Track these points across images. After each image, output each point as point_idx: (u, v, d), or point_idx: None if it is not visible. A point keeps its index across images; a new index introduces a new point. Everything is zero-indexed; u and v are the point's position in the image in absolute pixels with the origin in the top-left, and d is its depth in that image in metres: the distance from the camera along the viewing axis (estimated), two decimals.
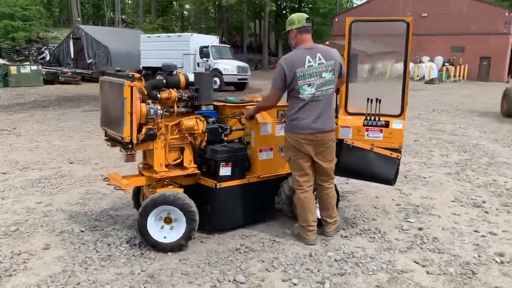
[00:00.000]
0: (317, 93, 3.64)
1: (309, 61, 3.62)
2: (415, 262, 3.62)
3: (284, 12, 47.02)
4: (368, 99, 4.31)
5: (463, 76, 33.90)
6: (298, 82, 3.61)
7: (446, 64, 34.66)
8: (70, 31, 32.17)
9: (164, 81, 3.92)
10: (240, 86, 23.27)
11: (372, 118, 4.27)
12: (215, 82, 22.70)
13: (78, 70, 27.03)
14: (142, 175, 4.03)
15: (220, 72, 22.65)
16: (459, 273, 3.42)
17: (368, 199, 5.24)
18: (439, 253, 3.79)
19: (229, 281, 3.26)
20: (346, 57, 4.41)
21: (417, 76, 32.74)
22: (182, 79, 4.00)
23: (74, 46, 30.12)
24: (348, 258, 3.65)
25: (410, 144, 8.69)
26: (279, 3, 42.70)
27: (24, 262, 3.55)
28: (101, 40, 28.39)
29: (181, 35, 25.78)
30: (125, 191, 3.84)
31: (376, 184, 5.35)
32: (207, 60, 23.18)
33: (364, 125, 4.26)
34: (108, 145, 4.09)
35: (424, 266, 3.54)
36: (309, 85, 3.62)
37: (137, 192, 4.42)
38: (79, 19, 43.63)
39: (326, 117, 3.72)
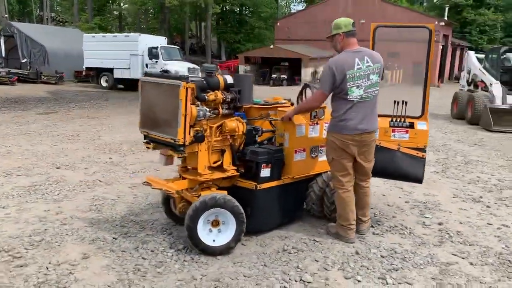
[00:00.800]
0: (365, 94, 3.78)
1: (358, 64, 3.75)
2: (453, 254, 3.85)
3: (227, 14, 47.06)
4: (394, 101, 4.52)
5: (399, 80, 35.86)
6: (348, 84, 3.72)
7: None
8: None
9: (205, 82, 3.86)
10: None
11: (398, 119, 4.49)
12: None
13: (13, 70, 25.28)
14: (183, 178, 3.94)
15: None
16: (499, 263, 3.69)
17: (377, 197, 5.45)
18: (470, 245, 4.06)
19: (296, 281, 3.30)
20: None
21: None
22: (221, 80, 3.96)
23: (5, 44, 28.14)
24: (393, 254, 3.81)
25: None
26: (221, 6, 42.66)
27: (71, 273, 3.35)
28: (37, 39, 26.76)
29: (129, 35, 24.95)
30: (174, 195, 3.74)
31: (378, 183, 5.62)
32: (156, 62, 22.65)
33: (390, 126, 4.45)
34: (148, 148, 3.96)
35: (464, 258, 3.78)
36: (357, 86, 3.74)
37: (168, 198, 4.29)
38: (6, 15, 40.84)
39: (371, 118, 3.87)
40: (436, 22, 35.44)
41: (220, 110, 3.88)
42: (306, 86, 4.68)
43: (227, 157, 4.00)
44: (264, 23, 46.36)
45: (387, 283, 3.30)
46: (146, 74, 3.91)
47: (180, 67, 22.60)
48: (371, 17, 36.59)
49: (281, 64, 32.37)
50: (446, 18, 38.23)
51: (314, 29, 37.74)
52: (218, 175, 3.93)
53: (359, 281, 3.33)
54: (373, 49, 4.63)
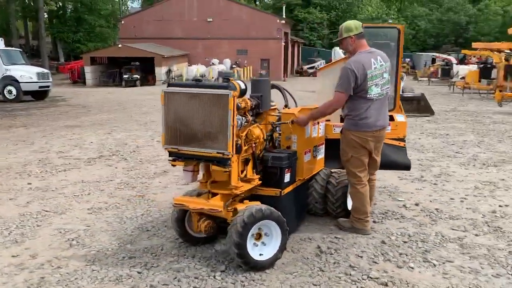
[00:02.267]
0: (381, 92, 3.99)
1: (374, 63, 3.93)
2: (453, 229, 4.36)
3: (62, 12, 43.06)
4: None
5: (249, 76, 37.61)
6: (368, 83, 3.89)
7: (234, 66, 37.78)
8: None
9: None
10: (41, 95, 20.58)
11: None
12: (10, 91, 19.65)
13: None
14: (213, 194, 3.65)
15: (16, 80, 19.63)
16: (493, 230, 4.31)
17: None
18: (457, 219, 4.62)
19: (364, 279, 3.36)
20: None
21: (212, 77, 34.74)
22: (238, 86, 3.76)
23: None
24: (409, 238, 4.13)
25: None
26: (57, 3, 38.88)
27: None
28: None
29: None
30: (221, 213, 3.45)
31: None
32: None
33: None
34: (173, 165, 3.55)
35: (465, 231, 4.30)
36: (375, 85, 3.93)
37: (182, 218, 3.90)
38: None
39: (386, 114, 4.11)
40: (278, 21, 38.11)
41: (249, 117, 3.69)
42: (273, 86, 4.72)
43: (250, 166, 3.83)
44: (105, 21, 43.75)
45: (434, 265, 3.59)
46: (170, 84, 3.49)
47: (26, 71, 20.11)
48: (218, 15, 37.60)
49: (131, 63, 31.02)
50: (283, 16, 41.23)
51: (162, 27, 37.13)
52: (248, 186, 3.73)
53: (413, 268, 3.54)
54: None
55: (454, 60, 34.15)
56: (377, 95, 3.97)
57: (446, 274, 3.44)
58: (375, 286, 3.27)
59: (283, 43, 38.55)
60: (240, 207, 3.59)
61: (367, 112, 3.96)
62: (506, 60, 19.26)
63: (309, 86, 27.19)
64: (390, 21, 48.92)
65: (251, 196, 3.94)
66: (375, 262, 3.64)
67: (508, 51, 21.10)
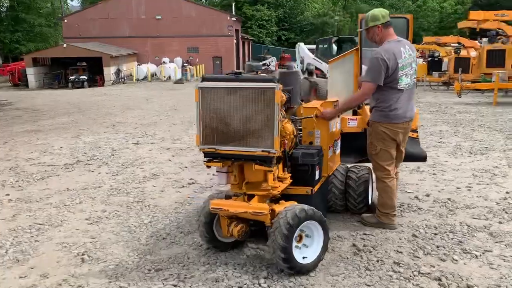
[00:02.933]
0: (410, 82, 3.89)
1: (404, 53, 3.82)
2: (475, 218, 4.36)
3: None
4: None
5: (201, 74, 37.07)
6: (399, 73, 3.77)
7: (185, 64, 37.07)
8: None
9: None
10: None
11: None
12: None
13: None
14: (248, 196, 3.40)
15: None
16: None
17: None
18: (473, 208, 4.64)
19: (415, 275, 3.25)
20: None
21: (164, 76, 33.91)
22: None
23: None
24: (438, 230, 4.08)
25: None
26: None
27: None
28: None
29: None
30: (267, 216, 3.20)
31: None
32: None
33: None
34: (208, 167, 3.27)
35: (487, 219, 4.31)
36: (405, 75, 3.83)
37: (211, 223, 3.62)
38: None
39: (413, 105, 4.02)
40: (229, 18, 37.81)
41: (284, 112, 3.46)
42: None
43: (281, 164, 3.61)
44: (45, 20, 41.47)
45: (476, 256, 3.54)
46: (205, 78, 3.19)
47: None
48: (167, 12, 36.73)
49: (78, 64, 29.60)
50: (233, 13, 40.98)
51: (108, 25, 35.74)
52: (283, 185, 3.52)
53: (456, 260, 3.48)
54: (360, 39, 4.76)
55: None
56: (407, 85, 3.87)
57: (491, 264, 3.40)
58: (429, 282, 3.16)
59: (235, 40, 38.34)
60: (277, 208, 3.36)
61: (397, 103, 3.85)
62: (456, 53, 20.13)
63: None
64: (336, 17, 50.00)
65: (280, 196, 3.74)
66: (417, 257, 3.55)
67: (456, 44, 22.06)
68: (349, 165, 4.61)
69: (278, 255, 3.19)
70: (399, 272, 3.30)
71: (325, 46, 14.27)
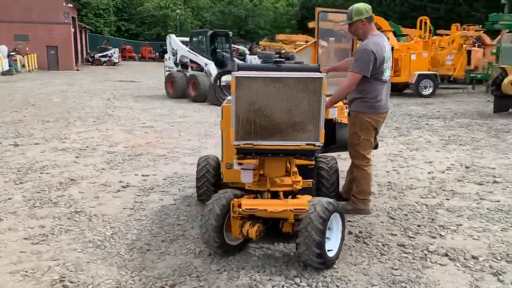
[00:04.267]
0: (389, 74, 4.10)
1: (386, 46, 4.01)
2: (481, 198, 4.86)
3: None
4: None
5: (34, 66, 33.02)
6: (384, 65, 3.94)
7: (12, 53, 32.56)
8: None
9: None
10: None
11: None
12: None
13: None
14: (273, 192, 3.20)
15: None
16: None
17: None
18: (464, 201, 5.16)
19: (427, 254, 3.46)
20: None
21: None
22: None
23: None
24: (404, 210, 4.44)
25: None
26: None
27: None
28: None
29: None
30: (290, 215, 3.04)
31: None
32: None
33: (344, 103, 4.90)
34: (240, 164, 2.94)
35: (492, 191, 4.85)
36: (388, 68, 4.02)
37: (222, 226, 3.28)
38: None
39: (389, 96, 4.24)
40: (64, 3, 34.42)
41: None
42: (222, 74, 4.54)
43: None
44: None
45: (455, 231, 3.93)
46: (241, 67, 2.84)
47: None
48: None
49: None
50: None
51: None
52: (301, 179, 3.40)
53: (444, 235, 3.82)
54: (318, 33, 4.85)
55: (246, 51, 36.97)
56: (388, 77, 4.09)
57: (471, 236, 3.82)
58: (441, 258, 3.41)
59: (73, 29, 35.14)
60: (302, 202, 3.24)
61: (381, 94, 4.04)
62: None
63: (130, 75, 25.67)
64: (178, 11, 49.65)
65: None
66: (412, 237, 3.79)
67: (304, 42, 24.02)
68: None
69: (313, 251, 3.08)
70: (411, 253, 3.49)
71: (199, 39, 14.08)
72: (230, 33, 14.75)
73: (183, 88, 13.87)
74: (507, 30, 14.74)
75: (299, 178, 3.28)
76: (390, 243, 3.68)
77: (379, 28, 15.93)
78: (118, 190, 5.12)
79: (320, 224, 3.07)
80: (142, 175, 5.73)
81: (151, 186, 5.27)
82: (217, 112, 11.21)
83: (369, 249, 3.56)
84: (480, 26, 19.88)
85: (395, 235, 3.85)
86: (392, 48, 14.47)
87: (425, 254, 3.47)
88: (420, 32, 16.95)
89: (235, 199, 3.26)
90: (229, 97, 4.47)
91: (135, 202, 4.74)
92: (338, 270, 3.22)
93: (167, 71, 14.96)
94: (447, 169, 5.92)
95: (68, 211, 4.43)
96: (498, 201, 4.65)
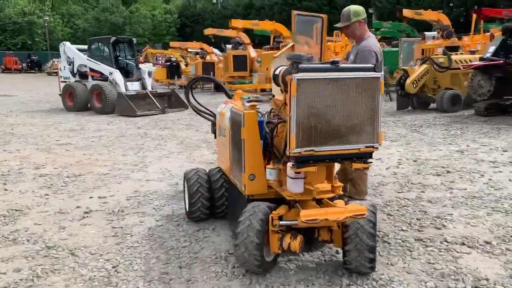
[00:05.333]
0: None
1: (380, 48, 4.07)
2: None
3: None
4: None
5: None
6: (381, 67, 4.00)
7: None
8: None
9: None
10: None
11: None
12: None
13: None
14: (317, 200, 3.04)
15: None
16: None
17: None
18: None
19: (447, 244, 3.60)
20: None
21: None
22: None
23: None
24: (393, 204, 4.59)
25: None
26: None
27: None
28: None
29: None
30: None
31: None
32: None
33: None
34: (297, 173, 2.71)
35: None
36: (382, 69, 4.08)
37: (262, 241, 3.02)
38: None
39: None
40: None
41: None
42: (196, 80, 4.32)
43: None
44: None
45: (451, 220, 4.13)
46: (300, 69, 2.60)
47: None
48: None
49: None
50: None
51: None
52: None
53: (446, 225, 4.01)
54: (294, 36, 4.76)
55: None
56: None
57: (468, 223, 4.06)
58: (461, 247, 3.56)
59: None
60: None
61: None
62: (202, 57, 21.74)
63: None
64: (46, 18, 45.67)
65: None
66: (420, 230, 3.92)
67: (199, 50, 23.75)
68: None
69: (366, 256, 3.00)
70: (433, 246, 3.59)
71: (99, 46, 13.06)
72: (134, 40, 13.97)
73: (84, 99, 12.75)
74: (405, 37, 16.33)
75: (339, 183, 3.17)
76: (408, 239, 3.75)
77: (279, 35, 16.59)
78: (83, 217, 4.46)
79: (370, 228, 3.00)
80: (99, 197, 5.08)
81: (118, 208, 4.69)
82: (136, 124, 10.61)
83: (395, 248, 3.58)
84: None
85: (406, 230, 3.94)
86: None
87: (447, 245, 3.60)
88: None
89: (273, 212, 3.05)
90: (224, 106, 4.18)
91: (113, 228, 4.17)
92: (383, 272, 3.19)
93: (62, 81, 13.58)
94: (399, 165, 6.28)
95: (38, 248, 3.73)
96: (465, 189, 5.06)
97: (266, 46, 16.60)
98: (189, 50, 26.10)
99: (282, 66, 3.32)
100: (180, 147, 7.92)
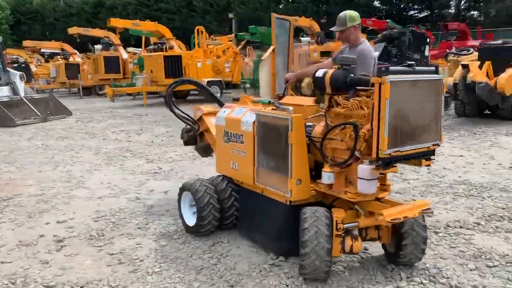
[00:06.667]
0: None
1: None
2: None
3: None
4: None
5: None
6: (375, 70, 4.19)
7: None
8: None
9: None
10: None
11: None
12: None
13: None
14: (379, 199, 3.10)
15: None
16: None
17: None
18: None
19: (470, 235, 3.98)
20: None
21: None
22: None
23: None
24: None
25: None
26: None
27: None
28: None
29: None
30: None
31: None
32: None
33: None
34: (382, 174, 2.73)
35: None
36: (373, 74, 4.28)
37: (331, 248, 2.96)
38: None
39: None
40: None
41: None
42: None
43: None
44: None
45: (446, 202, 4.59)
46: (389, 71, 2.60)
47: None
48: None
49: None
50: None
51: None
52: None
53: (463, 210, 4.43)
54: (274, 40, 4.71)
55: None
56: None
57: (457, 208, 4.50)
58: (462, 230, 3.95)
59: None
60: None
61: None
62: (65, 59, 19.78)
63: None
64: None
65: None
66: None
67: (60, 50, 21.52)
68: None
69: (421, 248, 3.17)
70: (441, 231, 3.92)
71: None
72: (0, 38, 12.03)
73: None
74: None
75: (388, 181, 3.27)
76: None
77: (163, 36, 16.01)
78: (61, 246, 3.78)
79: (423, 221, 3.18)
80: (58, 222, 4.35)
81: (96, 232, 4.07)
82: (21, 135, 9.15)
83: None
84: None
85: None
86: (180, 56, 14.81)
87: (453, 230, 3.96)
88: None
89: (337, 215, 3.02)
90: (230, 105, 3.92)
91: (110, 254, 3.62)
92: (424, 261, 3.37)
93: None
94: None
95: None
96: (418, 179, 5.61)
97: (150, 47, 15.85)
98: (42, 50, 23.51)
99: (321, 69, 3.29)
100: (101, 158, 7.15)
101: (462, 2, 29.04)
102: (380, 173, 2.92)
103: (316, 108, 3.73)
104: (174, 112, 4.55)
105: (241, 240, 3.79)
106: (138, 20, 16.36)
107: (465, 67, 8.92)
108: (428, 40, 11.45)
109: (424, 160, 2.97)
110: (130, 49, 23.17)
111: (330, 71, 3.15)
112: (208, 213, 3.76)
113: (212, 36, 22.07)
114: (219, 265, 3.39)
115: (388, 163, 2.78)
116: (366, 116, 2.87)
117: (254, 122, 3.50)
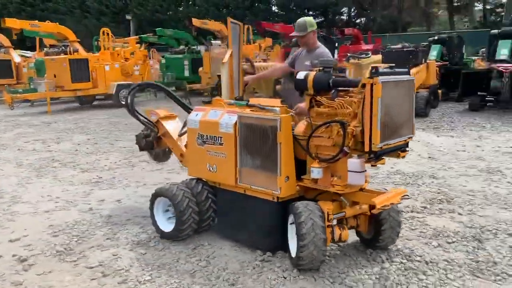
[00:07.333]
0: None
1: None
2: None
3: None
4: None
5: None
6: None
7: None
8: None
9: None
10: None
11: None
12: None
13: None
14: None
15: None
16: None
17: None
18: None
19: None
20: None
21: None
22: None
23: None
24: None
25: None
26: None
27: None
28: None
29: None
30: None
31: None
32: None
33: None
34: (374, 166, 2.99)
35: None
36: None
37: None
38: None
39: None
40: None
41: None
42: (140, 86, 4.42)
43: None
44: None
45: None
46: (379, 73, 2.81)
47: None
48: None
49: None
50: None
51: None
52: None
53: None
54: (240, 42, 4.78)
55: None
56: None
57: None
58: (436, 218, 4.46)
59: None
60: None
61: None
62: None
63: None
64: None
65: None
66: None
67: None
68: None
69: (397, 231, 3.53)
70: (420, 212, 4.34)
71: None
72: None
73: None
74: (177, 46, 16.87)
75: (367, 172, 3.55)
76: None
77: (65, 38, 14.98)
78: (28, 265, 3.49)
79: (396, 207, 3.53)
80: (10, 241, 3.99)
81: (63, 247, 3.82)
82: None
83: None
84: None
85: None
86: (87, 59, 14.04)
87: (413, 215, 4.39)
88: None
89: (326, 207, 3.24)
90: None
91: (89, 268, 3.44)
92: (404, 244, 3.73)
93: None
94: None
95: None
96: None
97: (48, 50, 14.67)
98: None
99: (301, 71, 3.47)
100: (27, 170, 6.57)
101: (353, 9, 31.45)
102: (372, 165, 3.18)
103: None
104: (137, 117, 4.42)
105: (221, 240, 3.83)
106: (37, 21, 15.10)
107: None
108: (336, 44, 12.25)
109: (400, 152, 3.30)
110: (18, 51, 21.26)
111: (312, 74, 3.34)
112: (188, 217, 3.74)
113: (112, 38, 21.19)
114: (210, 266, 3.40)
115: (379, 155, 3.06)
116: (351, 114, 3.12)
117: (235, 123, 3.56)
